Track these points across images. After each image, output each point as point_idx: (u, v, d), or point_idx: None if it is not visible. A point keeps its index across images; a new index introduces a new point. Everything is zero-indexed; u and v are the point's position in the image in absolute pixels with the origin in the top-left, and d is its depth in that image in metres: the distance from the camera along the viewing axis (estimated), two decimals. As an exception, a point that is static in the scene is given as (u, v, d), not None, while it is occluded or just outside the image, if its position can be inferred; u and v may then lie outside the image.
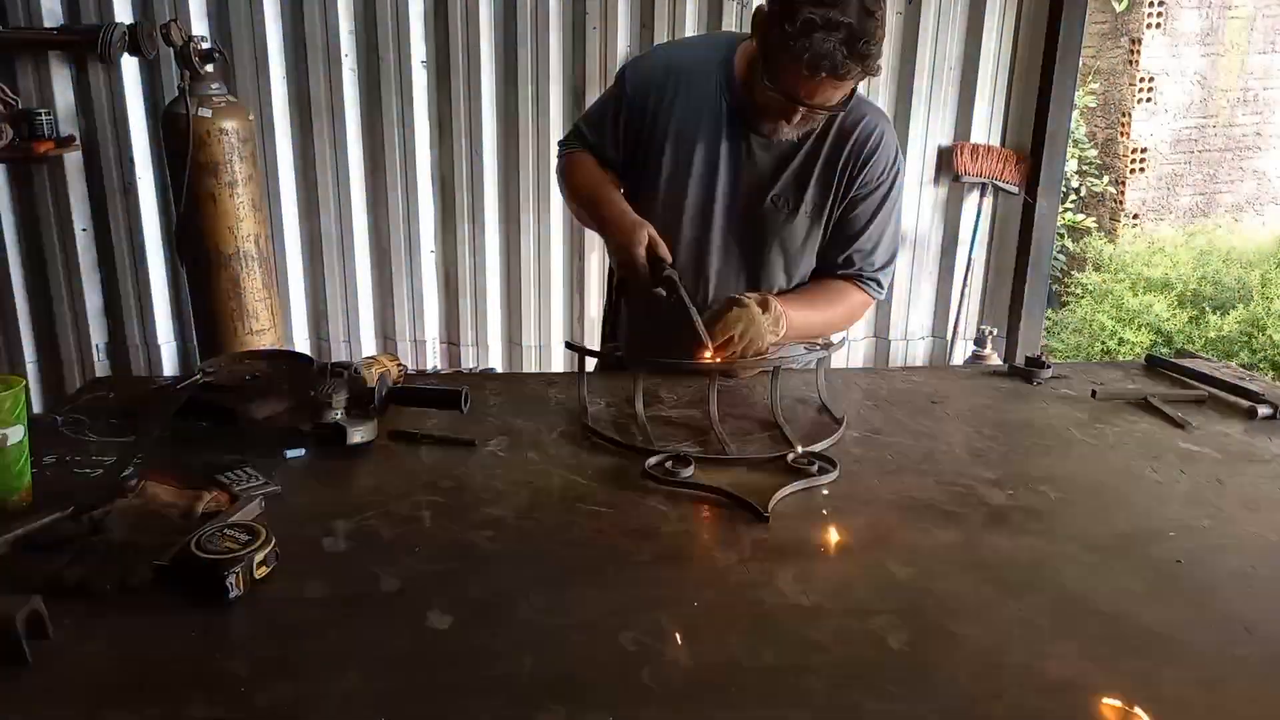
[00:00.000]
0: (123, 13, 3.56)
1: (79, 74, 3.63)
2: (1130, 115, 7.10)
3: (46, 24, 3.53)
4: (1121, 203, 7.27)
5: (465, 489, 1.41)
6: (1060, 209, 5.14)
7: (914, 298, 4.16)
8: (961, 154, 3.90)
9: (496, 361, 4.12)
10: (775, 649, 1.04)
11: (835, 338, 2.02)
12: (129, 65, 3.61)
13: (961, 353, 4.17)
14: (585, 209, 1.93)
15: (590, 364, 1.89)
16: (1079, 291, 6.36)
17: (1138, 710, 0.96)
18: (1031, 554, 1.26)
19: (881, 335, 4.19)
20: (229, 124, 3.22)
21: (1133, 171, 7.21)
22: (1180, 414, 1.73)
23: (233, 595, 1.09)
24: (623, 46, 3.72)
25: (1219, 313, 5.78)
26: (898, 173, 1.91)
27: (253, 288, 3.39)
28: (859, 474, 1.49)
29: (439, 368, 4.09)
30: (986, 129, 3.96)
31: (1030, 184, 3.92)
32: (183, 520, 1.22)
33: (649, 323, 1.97)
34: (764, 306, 1.74)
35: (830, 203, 1.88)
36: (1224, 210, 7.45)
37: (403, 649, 1.03)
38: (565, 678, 0.99)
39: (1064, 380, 1.93)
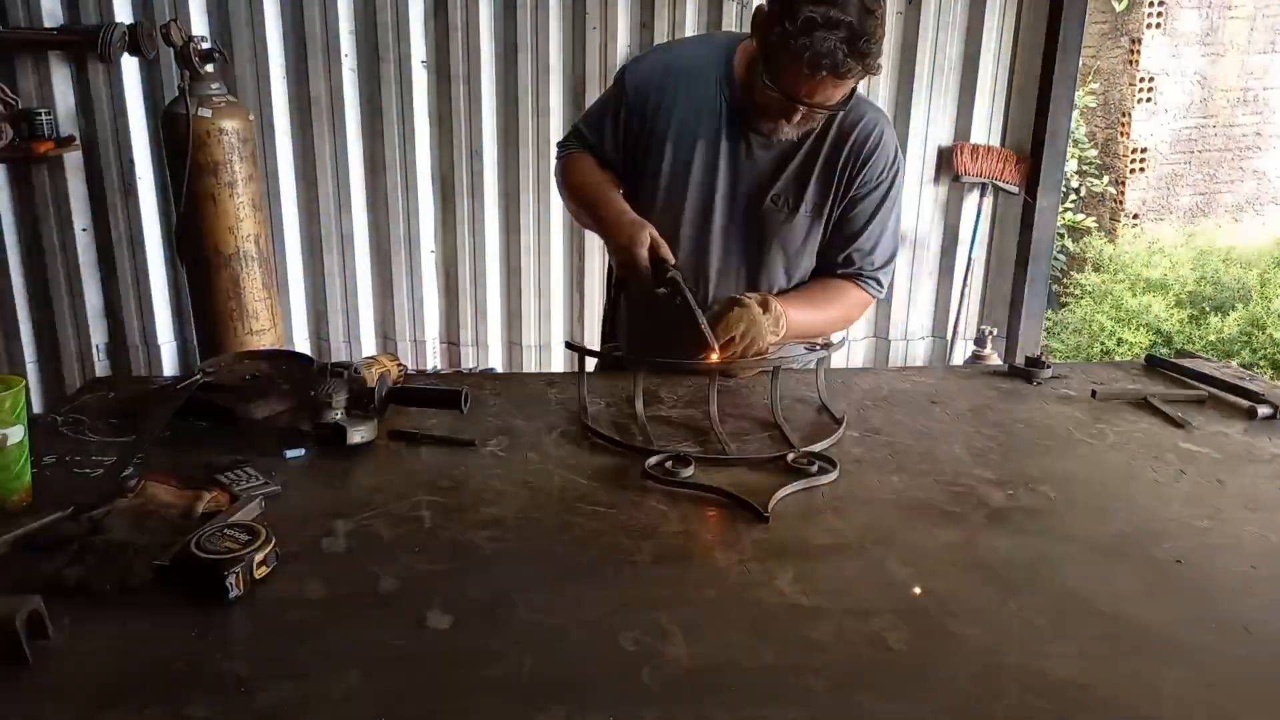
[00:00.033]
0: (123, 13, 3.57)
1: (79, 74, 3.63)
2: (1130, 115, 7.10)
3: (46, 24, 3.53)
4: (1121, 203, 7.28)
5: (465, 489, 1.41)
6: (1060, 209, 5.14)
7: (914, 298, 4.16)
8: (961, 154, 3.90)
9: (496, 361, 4.12)
10: (775, 649, 1.04)
11: (835, 337, 2.02)
12: (129, 65, 3.61)
13: (961, 353, 4.17)
14: (585, 210, 1.93)
15: (590, 364, 1.89)
16: (1078, 292, 6.36)
17: (1137, 710, 0.96)
18: (1031, 554, 1.26)
19: (881, 335, 4.19)
20: (229, 124, 3.22)
21: (1133, 171, 7.21)
22: (1180, 414, 1.73)
23: (233, 595, 1.09)
24: (623, 46, 3.72)
25: (1219, 313, 5.78)
26: (897, 172, 1.91)
27: (253, 288, 3.39)
28: (859, 474, 1.49)
29: (439, 368, 4.09)
30: (986, 129, 3.96)
31: (1030, 184, 3.92)
32: (183, 520, 1.22)
33: (649, 323, 1.97)
34: (764, 306, 1.74)
35: (830, 202, 1.88)
36: (1224, 210, 7.45)
37: (403, 649, 1.03)
38: (565, 678, 0.99)
39: (1064, 380, 1.93)
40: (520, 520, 1.32)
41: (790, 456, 1.49)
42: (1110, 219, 7.33)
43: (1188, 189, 7.37)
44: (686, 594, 1.16)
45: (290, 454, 1.49)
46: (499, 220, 3.94)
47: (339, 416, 1.52)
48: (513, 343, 4.11)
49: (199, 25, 3.58)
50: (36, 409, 2.85)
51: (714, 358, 1.70)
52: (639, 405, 1.66)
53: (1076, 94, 5.03)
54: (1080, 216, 7.11)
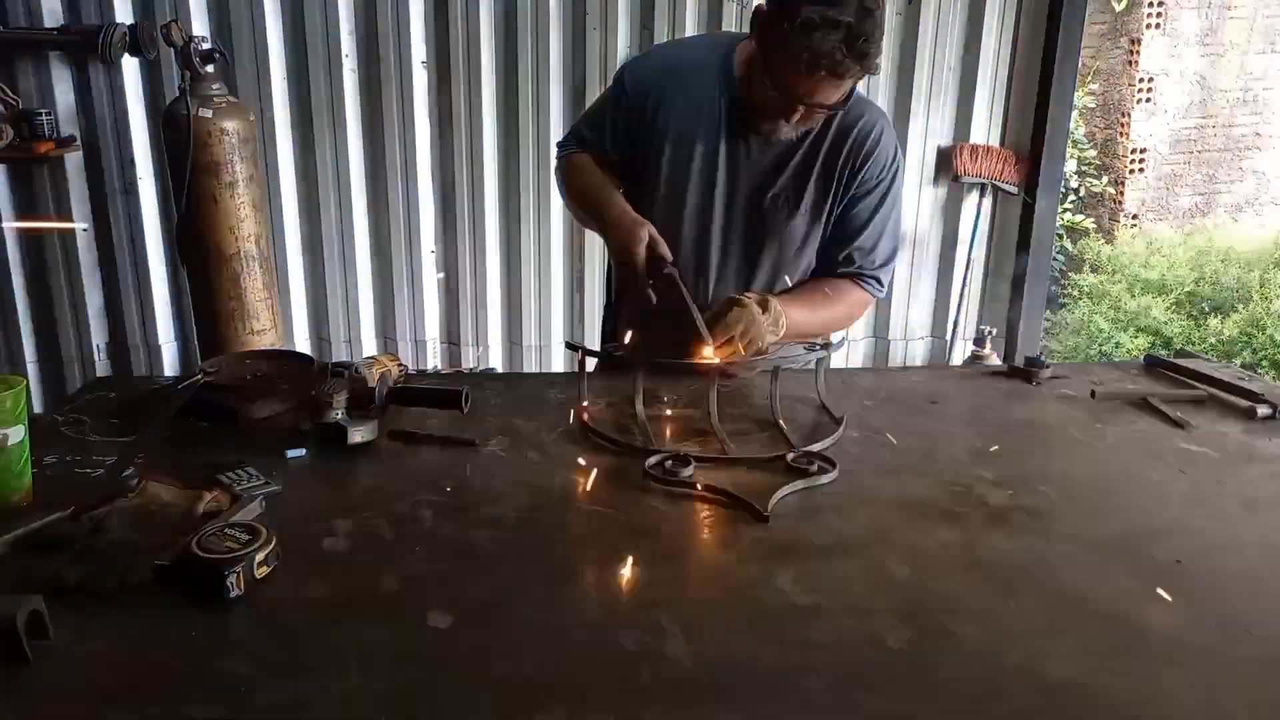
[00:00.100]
0: (123, 13, 3.56)
1: (79, 74, 3.63)
2: (1129, 115, 7.10)
3: (47, 24, 3.53)
4: (1121, 203, 7.27)
5: (465, 489, 1.41)
6: (1059, 209, 5.14)
7: (913, 298, 4.16)
8: (961, 154, 3.90)
9: (497, 361, 4.12)
10: (775, 648, 1.04)
11: (835, 337, 2.02)
12: (129, 65, 3.61)
13: (961, 353, 4.17)
14: (585, 210, 1.93)
15: (590, 364, 1.90)
16: (1076, 293, 6.36)
17: (1137, 710, 0.96)
18: (1031, 554, 1.26)
19: (881, 335, 4.19)
20: (229, 124, 3.22)
21: (1132, 172, 7.21)
22: (1180, 414, 1.73)
23: (233, 595, 1.09)
24: (623, 46, 3.72)
25: (1218, 314, 5.78)
26: (897, 170, 1.91)
27: (253, 288, 3.39)
28: (859, 474, 1.49)
29: (439, 368, 4.09)
30: (986, 129, 3.96)
31: (1029, 184, 3.92)
32: (183, 520, 1.22)
33: (649, 323, 1.97)
34: (764, 306, 1.75)
35: (830, 201, 1.89)
36: (1223, 210, 7.45)
37: (403, 649, 1.03)
38: (565, 678, 0.99)
39: (1063, 380, 1.93)
40: (520, 520, 1.32)
41: (790, 456, 1.49)
42: (1109, 219, 7.33)
43: (1187, 189, 7.38)
44: (686, 594, 1.16)
45: (291, 454, 1.49)
46: (499, 220, 3.94)
47: (339, 416, 1.52)
48: (513, 343, 4.11)
49: (199, 25, 3.58)
50: (37, 409, 2.85)
51: (708, 350, 1.70)
52: (639, 405, 1.66)
53: (1076, 94, 5.03)
54: (1079, 217, 7.11)
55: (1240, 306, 5.79)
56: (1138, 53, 6.98)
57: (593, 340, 3.66)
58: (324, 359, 3.33)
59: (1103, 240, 6.96)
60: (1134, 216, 7.28)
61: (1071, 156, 6.78)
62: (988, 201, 4.02)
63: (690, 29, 3.72)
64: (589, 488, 1.43)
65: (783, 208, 1.87)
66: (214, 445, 1.52)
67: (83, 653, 1.01)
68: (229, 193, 3.26)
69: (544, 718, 0.92)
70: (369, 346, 4.05)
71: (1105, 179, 7.28)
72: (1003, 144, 3.98)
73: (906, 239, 3.97)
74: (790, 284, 1.96)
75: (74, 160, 3.68)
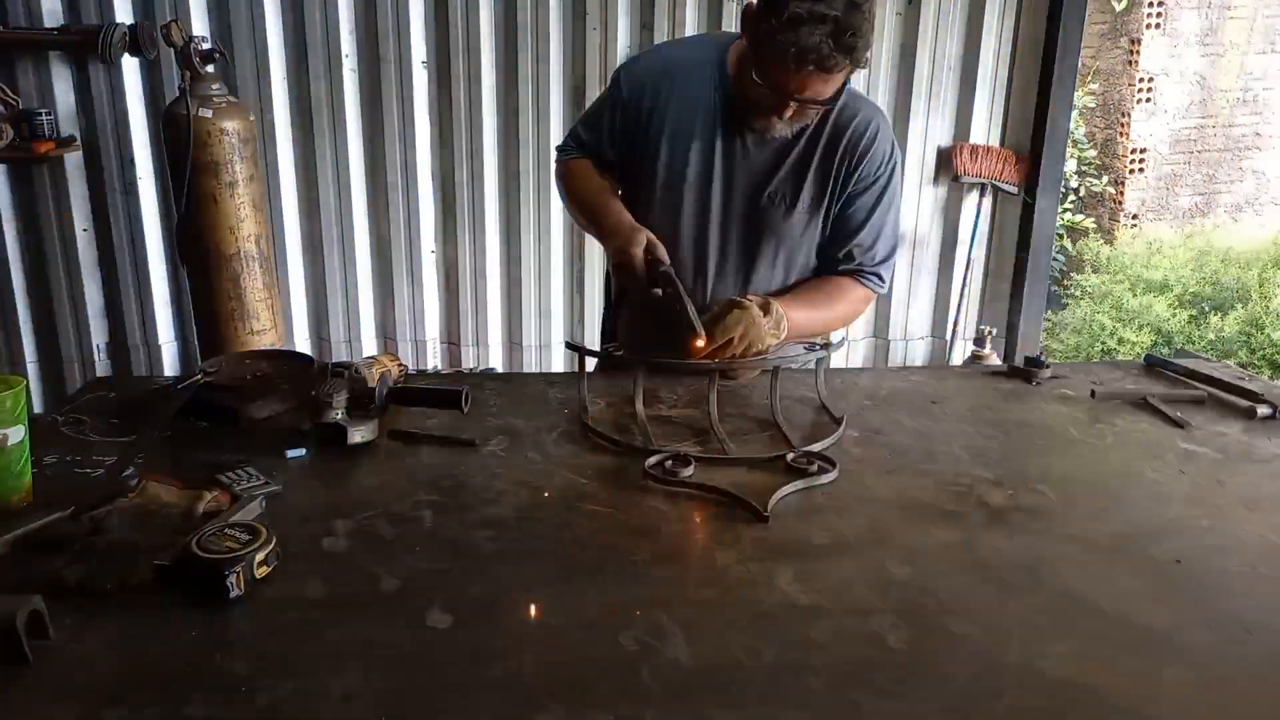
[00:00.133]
0: (123, 13, 3.56)
1: (79, 74, 3.63)
2: (1129, 115, 7.10)
3: (47, 24, 3.53)
4: (1121, 203, 7.28)
5: (465, 489, 1.41)
6: (1059, 209, 5.14)
7: (913, 298, 4.16)
8: (961, 154, 3.90)
9: (497, 361, 4.12)
10: (775, 648, 1.04)
11: (835, 337, 2.02)
12: (129, 65, 3.61)
13: (961, 353, 4.17)
14: (585, 216, 1.94)
15: (590, 364, 1.90)
16: (1077, 293, 6.36)
17: (1137, 710, 0.96)
18: (1031, 553, 1.26)
19: (881, 335, 4.19)
20: (230, 124, 3.22)
21: (1132, 172, 7.21)
22: (1180, 414, 1.73)
23: (233, 595, 1.09)
24: (623, 47, 3.72)
25: (1218, 313, 5.79)
26: (894, 166, 1.91)
27: (253, 288, 3.39)
28: (858, 474, 1.49)
29: (439, 368, 4.09)
30: (986, 129, 3.96)
31: (1029, 184, 3.92)
32: (183, 520, 1.22)
33: (648, 324, 1.97)
34: (765, 309, 1.74)
35: (827, 198, 1.88)
36: (1223, 210, 7.45)
37: (403, 649, 1.04)
38: (565, 678, 1.00)
39: (1063, 380, 1.93)
40: (520, 520, 1.32)
41: (790, 456, 1.49)
42: (1109, 219, 7.33)
43: (1187, 189, 7.38)
44: (686, 594, 1.16)
45: (291, 454, 1.49)
46: (499, 220, 3.94)
47: (339, 416, 1.52)
48: (513, 343, 4.11)
49: (199, 25, 3.58)
50: (37, 409, 2.85)
51: (700, 344, 1.70)
52: (639, 405, 1.66)
53: (1076, 94, 5.03)
54: (1079, 217, 7.12)
55: (1239, 306, 5.79)
56: (1138, 53, 6.98)
57: (593, 340, 3.66)
58: (324, 359, 3.34)
59: (1102, 240, 6.97)
60: (1134, 216, 7.29)
61: (1071, 156, 6.78)
62: (988, 201, 4.02)
63: (690, 29, 3.72)
64: (589, 488, 1.43)
65: (780, 204, 1.87)
66: (214, 445, 1.52)
67: (83, 653, 1.01)
68: (229, 193, 3.26)
69: (544, 718, 0.92)
70: (369, 346, 4.05)
71: (1105, 179, 7.28)
72: (1003, 144, 3.98)
73: (906, 238, 3.97)
74: (789, 281, 1.96)
75: (74, 160, 3.68)
